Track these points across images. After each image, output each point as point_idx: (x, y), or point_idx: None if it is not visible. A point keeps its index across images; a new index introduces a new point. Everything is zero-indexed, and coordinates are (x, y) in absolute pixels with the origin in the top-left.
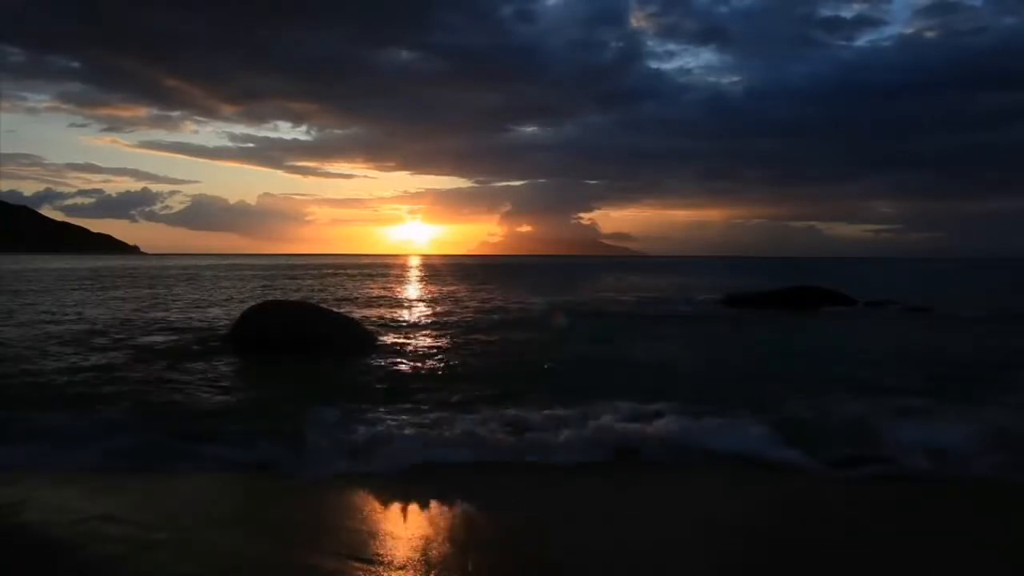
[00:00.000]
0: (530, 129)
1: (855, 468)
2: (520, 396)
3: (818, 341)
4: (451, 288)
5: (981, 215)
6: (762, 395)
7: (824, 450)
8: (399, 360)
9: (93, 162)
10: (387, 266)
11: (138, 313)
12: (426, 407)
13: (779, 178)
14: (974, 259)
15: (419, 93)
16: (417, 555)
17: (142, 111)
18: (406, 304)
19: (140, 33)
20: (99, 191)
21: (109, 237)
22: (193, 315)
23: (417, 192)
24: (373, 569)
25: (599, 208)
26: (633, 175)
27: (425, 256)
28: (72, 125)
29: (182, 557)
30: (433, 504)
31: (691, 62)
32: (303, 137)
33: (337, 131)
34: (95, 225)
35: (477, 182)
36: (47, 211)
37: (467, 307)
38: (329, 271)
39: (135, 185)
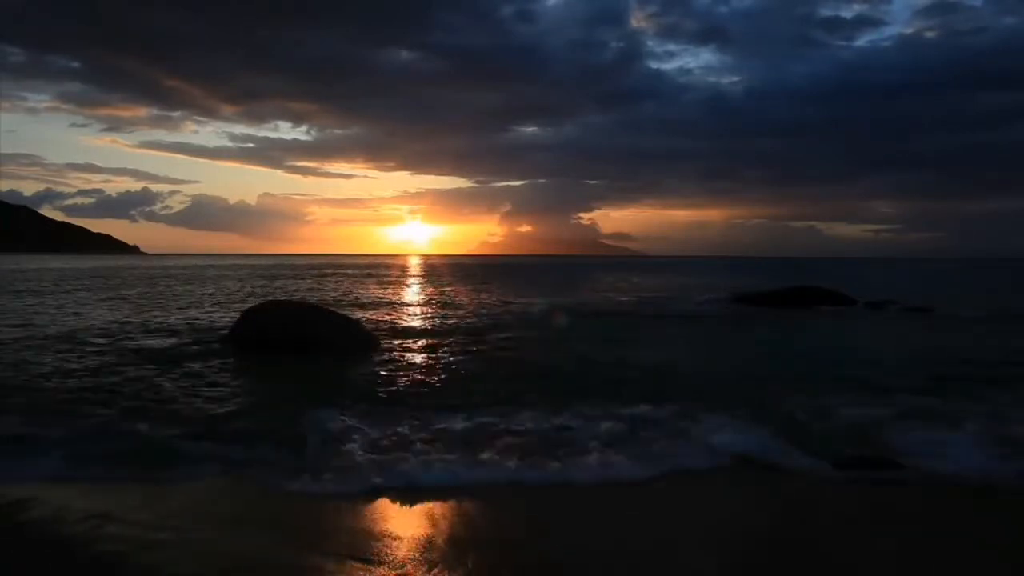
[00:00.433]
0: (530, 129)
1: (856, 468)
2: (520, 400)
3: (819, 341)
4: (451, 288)
5: (981, 215)
6: (762, 396)
7: (825, 450)
8: (399, 361)
9: (93, 162)
10: (387, 266)
11: (138, 313)
12: (421, 414)
13: (779, 178)
14: (974, 259)
15: (419, 93)
16: (417, 555)
17: (142, 111)
18: (406, 304)
19: (140, 33)
20: (99, 191)
21: (109, 237)
22: (193, 315)
23: (417, 192)
24: (373, 569)
25: (599, 208)
26: (633, 175)
27: (425, 256)
28: (72, 125)
29: (182, 557)
30: (433, 504)
31: (691, 62)
32: (303, 137)
33: (337, 131)
34: (95, 225)
35: (477, 182)
36: (47, 211)
37: (467, 307)
38: (329, 271)
39: (135, 185)
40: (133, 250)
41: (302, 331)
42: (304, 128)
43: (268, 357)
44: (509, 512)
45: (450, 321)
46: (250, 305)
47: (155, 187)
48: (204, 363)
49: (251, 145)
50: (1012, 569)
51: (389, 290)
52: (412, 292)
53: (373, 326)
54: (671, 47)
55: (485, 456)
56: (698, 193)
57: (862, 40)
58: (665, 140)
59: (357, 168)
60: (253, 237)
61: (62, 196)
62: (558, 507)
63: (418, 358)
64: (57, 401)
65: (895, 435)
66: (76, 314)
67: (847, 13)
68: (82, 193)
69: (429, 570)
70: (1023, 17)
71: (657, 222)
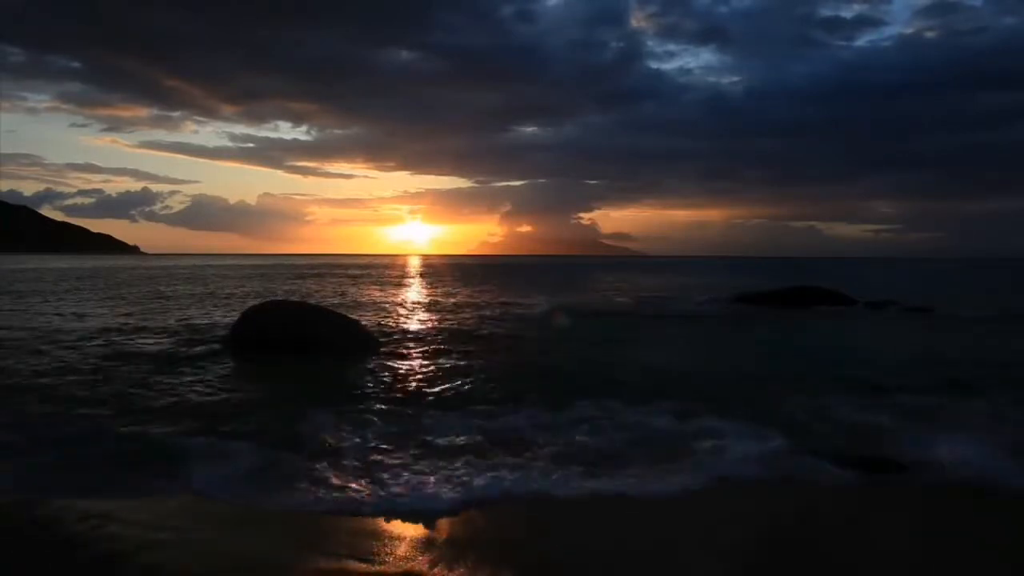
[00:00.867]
0: (530, 129)
1: (856, 469)
2: (520, 400)
3: (819, 341)
4: (451, 288)
5: (981, 215)
6: (762, 396)
7: (825, 450)
8: (399, 361)
9: (93, 162)
10: (387, 266)
11: (138, 313)
12: (421, 414)
13: (779, 178)
14: (974, 259)
15: (419, 93)
16: (417, 555)
17: (142, 111)
18: (406, 304)
19: (140, 33)
20: (99, 191)
21: (109, 237)
22: (193, 315)
23: (417, 192)
24: (373, 569)
25: (599, 208)
26: (633, 175)
27: (425, 256)
28: (72, 125)
29: (182, 557)
30: (433, 504)
31: (691, 62)
32: (303, 137)
33: (337, 131)
34: (95, 225)
35: (477, 182)
36: (47, 211)
37: (467, 307)
38: (329, 271)
39: (135, 185)
40: (133, 250)
41: (302, 331)
42: (304, 128)
43: (268, 357)
44: (509, 514)
45: (450, 321)
46: (250, 305)
47: (155, 187)
48: (204, 363)
49: (251, 145)
50: (1012, 569)
51: (389, 290)
52: (412, 292)
53: (373, 326)
54: (671, 47)
55: (485, 457)
56: (698, 193)
57: (862, 40)
58: (665, 140)
59: (357, 168)
60: (253, 237)
61: (62, 196)
62: (558, 507)
63: (418, 358)
64: (57, 401)
65: (895, 435)
66: (76, 314)
67: (847, 13)
68: (82, 193)
69: (429, 570)
70: (1023, 17)
71: (657, 222)
